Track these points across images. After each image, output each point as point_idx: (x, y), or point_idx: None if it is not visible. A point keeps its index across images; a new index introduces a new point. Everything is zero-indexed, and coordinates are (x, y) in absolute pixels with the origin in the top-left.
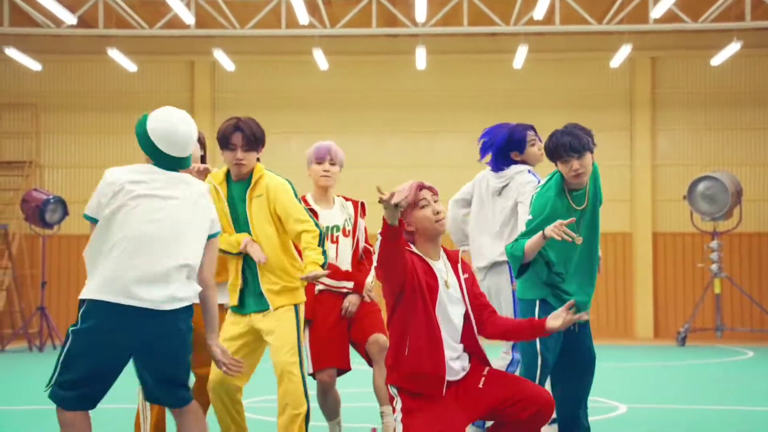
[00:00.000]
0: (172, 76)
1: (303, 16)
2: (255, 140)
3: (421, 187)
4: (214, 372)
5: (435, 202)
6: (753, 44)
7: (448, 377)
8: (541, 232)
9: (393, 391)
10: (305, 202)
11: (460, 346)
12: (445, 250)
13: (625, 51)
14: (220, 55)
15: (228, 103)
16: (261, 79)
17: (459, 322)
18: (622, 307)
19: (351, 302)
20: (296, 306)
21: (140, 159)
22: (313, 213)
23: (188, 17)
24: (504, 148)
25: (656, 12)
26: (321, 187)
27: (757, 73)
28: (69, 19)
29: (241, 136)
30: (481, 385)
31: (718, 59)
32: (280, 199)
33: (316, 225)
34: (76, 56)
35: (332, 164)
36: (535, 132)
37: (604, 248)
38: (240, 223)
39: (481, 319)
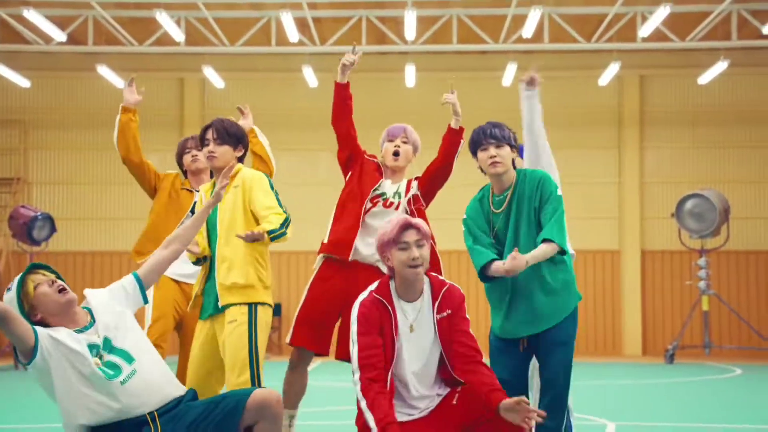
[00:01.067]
0: (161, 93)
1: (293, 34)
2: (227, 134)
3: (406, 226)
4: (191, 378)
5: (418, 246)
6: (740, 63)
7: (409, 415)
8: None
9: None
10: (378, 164)
11: (433, 388)
12: (432, 283)
13: (613, 69)
14: (209, 73)
15: None
16: (251, 96)
17: (431, 362)
18: (610, 324)
19: None
20: (251, 306)
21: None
22: (378, 170)
23: (178, 34)
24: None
25: (644, 31)
26: (391, 168)
27: (744, 92)
28: (58, 36)
29: (213, 130)
30: (455, 401)
31: (705, 78)
32: (254, 189)
33: (285, 212)
34: (65, 73)
35: (405, 142)
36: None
37: (592, 264)
38: (212, 213)
39: (460, 367)
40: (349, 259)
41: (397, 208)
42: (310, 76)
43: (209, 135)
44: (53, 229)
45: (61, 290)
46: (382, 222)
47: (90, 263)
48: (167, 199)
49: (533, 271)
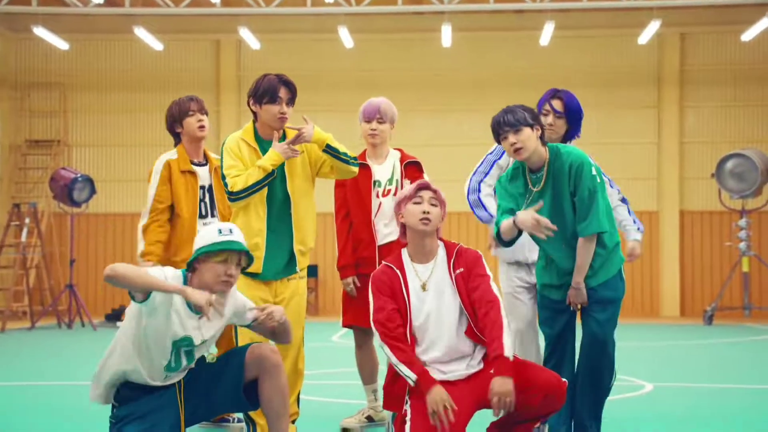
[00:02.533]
0: (197, 55)
1: None
2: (295, 96)
3: (423, 186)
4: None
5: (431, 204)
6: None
7: (443, 374)
8: (512, 219)
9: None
10: (361, 157)
11: (459, 346)
12: (445, 245)
13: (653, 27)
14: (245, 34)
15: (253, 81)
16: (286, 58)
17: (451, 320)
18: (648, 285)
19: None
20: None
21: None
22: (366, 168)
23: None
24: None
25: None
26: (370, 144)
27: None
28: None
29: (287, 90)
30: (492, 371)
31: (748, 35)
32: (314, 149)
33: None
34: (103, 35)
35: (380, 122)
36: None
37: None
38: (276, 181)
39: (479, 316)
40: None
41: (395, 194)
42: (345, 36)
43: (283, 93)
44: (93, 191)
45: (228, 281)
46: (389, 211)
47: (130, 224)
48: (186, 193)
49: (570, 227)
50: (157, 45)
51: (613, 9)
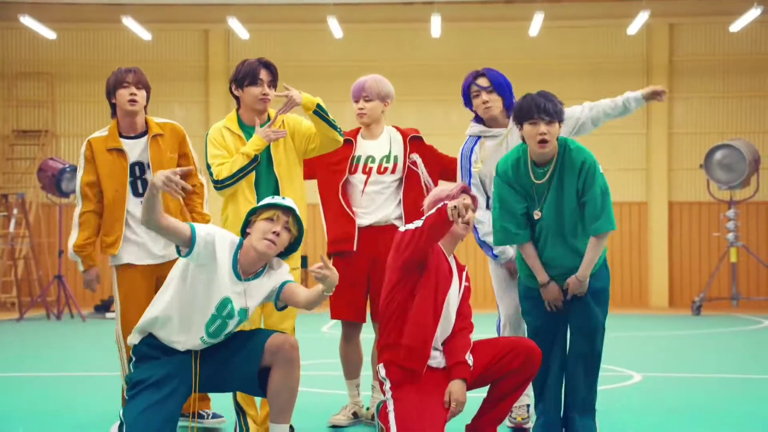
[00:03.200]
0: (186, 45)
1: None
2: (277, 79)
3: (465, 190)
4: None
5: (471, 209)
6: None
7: (430, 363)
8: (539, 272)
9: (381, 373)
10: (353, 134)
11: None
12: (454, 257)
13: (642, 18)
14: (234, 24)
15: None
16: (275, 48)
17: (453, 309)
18: (636, 276)
19: None
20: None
21: None
22: (350, 144)
23: None
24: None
25: None
26: (363, 124)
27: None
28: None
29: (268, 72)
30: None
31: (737, 25)
32: (298, 123)
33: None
34: (90, 25)
35: (367, 101)
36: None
37: (618, 216)
38: (262, 166)
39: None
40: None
41: (393, 171)
42: (335, 26)
43: (263, 75)
44: None
45: (273, 240)
46: (387, 190)
47: None
48: (110, 173)
49: (568, 224)
50: (145, 35)
51: None
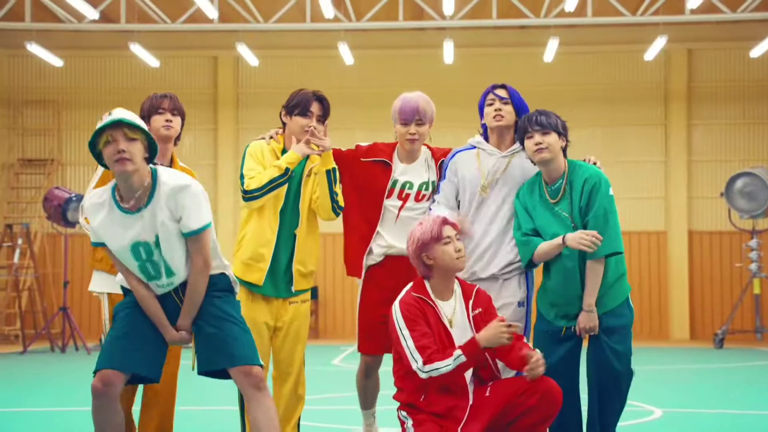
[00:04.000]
0: (195, 72)
1: (328, 10)
2: (328, 114)
3: (445, 222)
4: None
5: (457, 239)
6: None
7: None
8: (561, 238)
9: (402, 414)
10: (388, 154)
11: (464, 380)
12: (461, 284)
13: (660, 43)
14: (243, 50)
15: (251, 98)
16: (285, 74)
17: None
18: (657, 307)
19: None
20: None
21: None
22: (387, 167)
23: (211, 11)
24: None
25: (693, 2)
26: (406, 150)
27: None
28: (91, 14)
29: (320, 106)
30: (488, 394)
31: (757, 51)
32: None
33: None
34: (97, 52)
35: (420, 125)
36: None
37: (637, 246)
38: (290, 198)
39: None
40: (364, 266)
41: (430, 198)
42: (345, 53)
43: (315, 108)
44: None
45: (122, 157)
46: (421, 215)
47: None
48: None
49: (580, 264)
50: (153, 61)
51: (618, 25)
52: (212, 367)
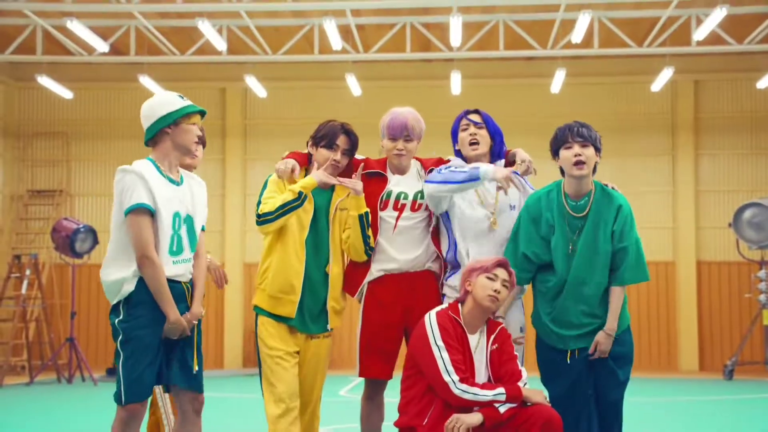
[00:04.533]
0: (203, 103)
1: (336, 42)
2: (355, 148)
3: (502, 264)
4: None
5: (503, 285)
6: None
7: None
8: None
9: None
10: (381, 165)
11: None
12: (488, 321)
13: (666, 74)
14: (252, 82)
15: (260, 129)
16: (293, 106)
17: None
18: (665, 338)
19: None
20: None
21: None
22: (382, 178)
23: (220, 44)
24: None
25: (699, 34)
26: (394, 163)
27: None
28: (101, 46)
29: (347, 140)
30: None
31: (764, 82)
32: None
33: None
34: (107, 84)
35: (408, 141)
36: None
37: None
38: (321, 231)
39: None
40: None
41: (427, 208)
42: (353, 84)
43: (341, 141)
44: (96, 242)
45: (195, 143)
46: (420, 224)
47: None
48: None
49: (591, 286)
50: (162, 93)
51: (625, 56)
52: (170, 381)
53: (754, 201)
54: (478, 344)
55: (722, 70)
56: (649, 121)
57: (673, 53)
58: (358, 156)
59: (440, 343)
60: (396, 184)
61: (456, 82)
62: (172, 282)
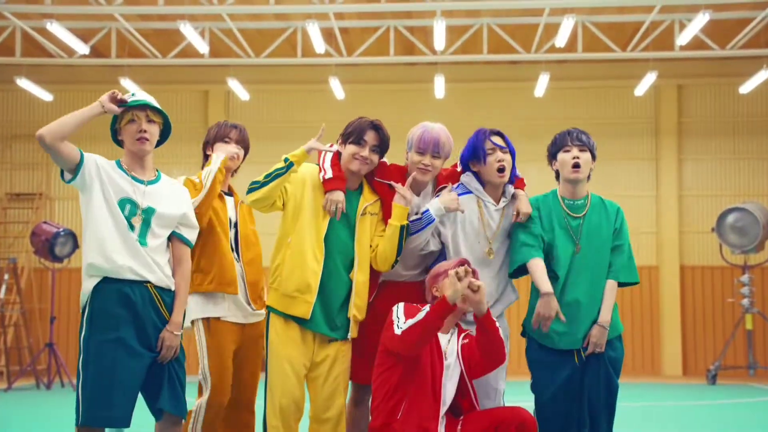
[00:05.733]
0: (185, 106)
1: (319, 45)
2: (385, 146)
3: (464, 263)
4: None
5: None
6: None
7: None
8: (543, 286)
9: None
10: (391, 174)
11: (438, 413)
12: (458, 325)
13: (650, 79)
14: (234, 85)
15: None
16: (276, 109)
17: (451, 391)
18: (648, 343)
19: None
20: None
21: None
22: (389, 190)
23: (202, 46)
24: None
25: (682, 39)
26: (417, 179)
27: None
28: (81, 48)
29: (376, 136)
30: (459, 428)
31: (747, 87)
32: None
33: None
34: (88, 86)
35: (436, 158)
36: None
37: None
38: (341, 234)
39: (469, 365)
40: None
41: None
42: (337, 87)
43: (370, 137)
44: (76, 246)
45: (143, 137)
46: (423, 250)
47: None
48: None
49: (591, 289)
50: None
51: (608, 60)
52: (152, 403)
53: (737, 205)
54: (449, 342)
55: (705, 75)
56: (632, 125)
57: (657, 58)
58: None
59: (400, 312)
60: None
61: (440, 85)
62: (134, 282)
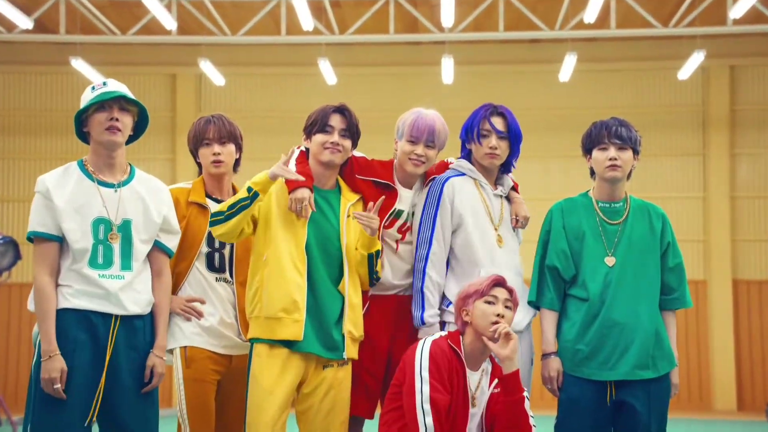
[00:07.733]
0: (149, 92)
1: (307, 21)
2: (355, 130)
3: (498, 282)
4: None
5: (505, 307)
6: None
7: None
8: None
9: None
10: (387, 175)
11: None
12: (492, 362)
13: (697, 59)
14: (207, 67)
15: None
16: (256, 96)
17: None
18: (696, 372)
19: None
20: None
21: None
22: (391, 191)
23: (169, 22)
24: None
25: (736, 11)
26: (408, 170)
27: None
28: (23, 23)
29: (342, 118)
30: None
31: None
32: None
33: None
34: (32, 67)
35: (431, 147)
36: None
37: None
38: (324, 241)
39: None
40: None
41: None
42: (327, 70)
43: (335, 121)
44: (18, 257)
45: (114, 126)
46: (411, 246)
47: None
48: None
49: (631, 309)
50: (98, 80)
51: (647, 38)
52: None
53: None
54: (479, 385)
55: (763, 54)
56: (675, 115)
57: (705, 34)
58: (356, 153)
59: (425, 373)
60: (404, 202)
61: (448, 68)
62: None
